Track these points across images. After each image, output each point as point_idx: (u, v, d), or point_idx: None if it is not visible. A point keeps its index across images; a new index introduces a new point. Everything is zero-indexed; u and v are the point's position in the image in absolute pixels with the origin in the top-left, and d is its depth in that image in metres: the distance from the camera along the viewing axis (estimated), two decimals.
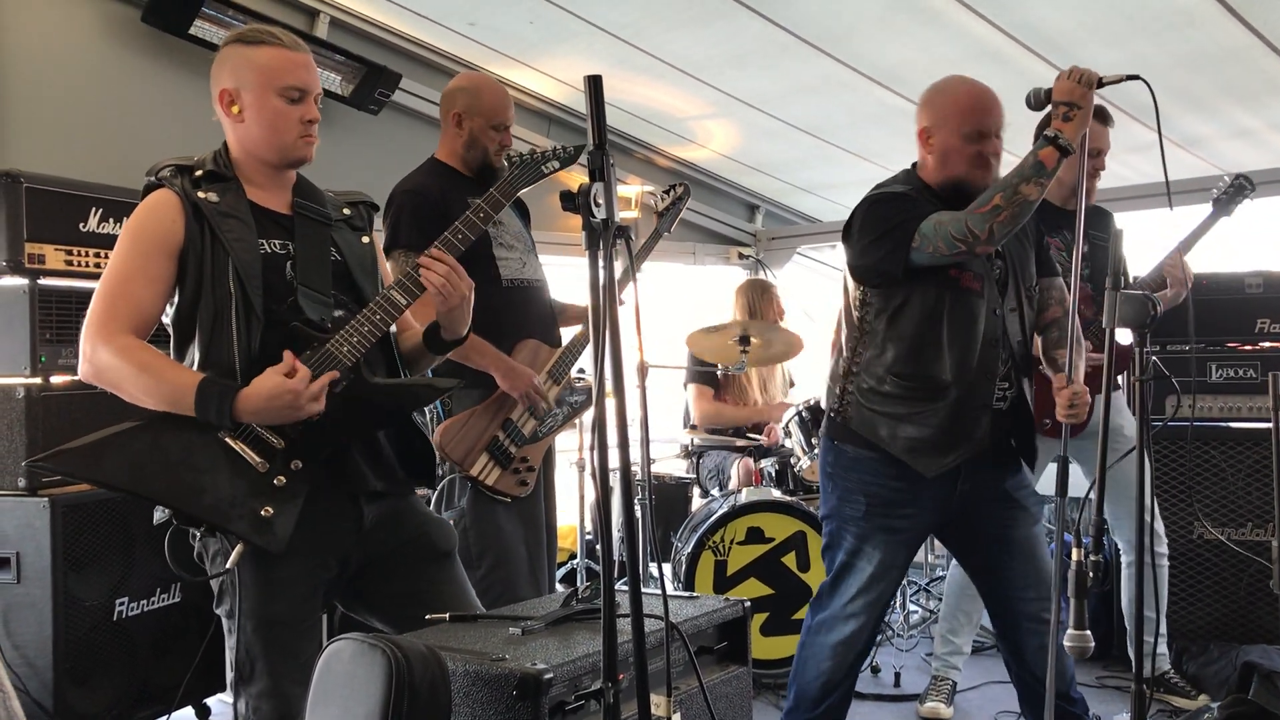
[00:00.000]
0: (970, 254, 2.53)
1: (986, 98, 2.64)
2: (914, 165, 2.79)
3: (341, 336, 2.08)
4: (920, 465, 2.66)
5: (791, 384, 5.28)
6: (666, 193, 3.62)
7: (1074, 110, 2.46)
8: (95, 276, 3.12)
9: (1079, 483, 4.23)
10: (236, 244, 2.07)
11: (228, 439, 2.01)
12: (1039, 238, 2.88)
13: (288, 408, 1.99)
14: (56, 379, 3.07)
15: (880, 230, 2.62)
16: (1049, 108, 2.53)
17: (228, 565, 2.01)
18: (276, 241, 2.15)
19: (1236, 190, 3.67)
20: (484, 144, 3.13)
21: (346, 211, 2.31)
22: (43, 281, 3.06)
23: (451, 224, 2.25)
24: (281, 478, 2.03)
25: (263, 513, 1.99)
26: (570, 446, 4.49)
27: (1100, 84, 2.48)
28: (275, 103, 2.12)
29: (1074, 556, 2.17)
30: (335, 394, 2.06)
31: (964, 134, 2.62)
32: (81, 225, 3.15)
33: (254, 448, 2.02)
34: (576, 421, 3.56)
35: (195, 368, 2.06)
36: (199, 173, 2.13)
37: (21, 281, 3.04)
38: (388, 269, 2.44)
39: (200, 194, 2.09)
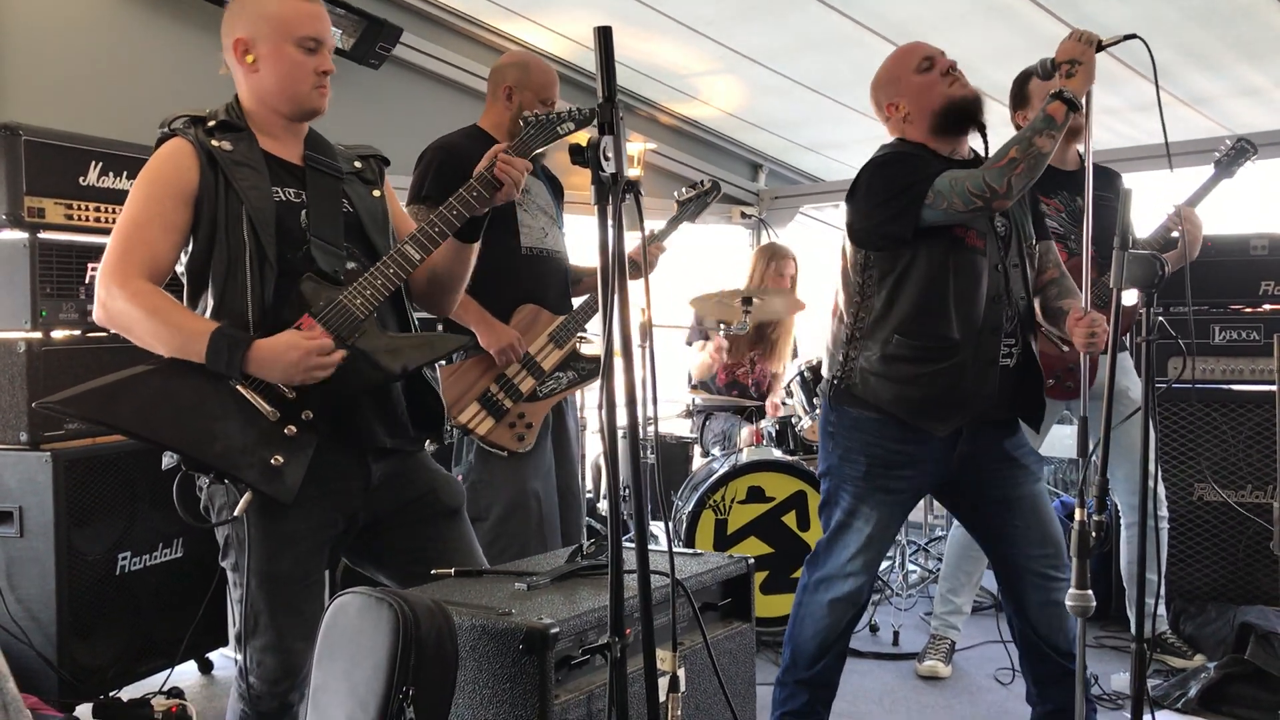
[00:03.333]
0: (987, 209, 2.54)
1: (911, 42, 2.80)
2: (897, 140, 2.80)
3: (355, 289, 2.08)
4: (930, 425, 2.65)
5: (795, 354, 5.22)
6: (693, 186, 3.61)
7: (1076, 66, 2.56)
8: (95, 230, 3.14)
9: (1084, 444, 4.24)
10: (251, 192, 2.07)
11: (239, 387, 2.01)
12: (1034, 199, 2.88)
13: (297, 367, 1.99)
14: (57, 333, 3.06)
15: (890, 192, 2.61)
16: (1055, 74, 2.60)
17: (235, 513, 2.02)
18: (290, 190, 2.14)
19: (1239, 153, 3.64)
20: None
21: (357, 165, 2.30)
22: (43, 235, 3.04)
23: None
24: (292, 427, 2.03)
25: (273, 461, 2.00)
26: (587, 404, 4.47)
27: (1100, 47, 2.56)
28: (291, 53, 2.11)
29: (1077, 516, 2.18)
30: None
31: (916, 69, 2.73)
32: (81, 179, 3.14)
33: (265, 397, 2.02)
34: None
35: (209, 316, 2.06)
36: (212, 123, 2.12)
37: (21, 235, 3.02)
38: (404, 216, 2.41)
39: (214, 143, 2.09)
